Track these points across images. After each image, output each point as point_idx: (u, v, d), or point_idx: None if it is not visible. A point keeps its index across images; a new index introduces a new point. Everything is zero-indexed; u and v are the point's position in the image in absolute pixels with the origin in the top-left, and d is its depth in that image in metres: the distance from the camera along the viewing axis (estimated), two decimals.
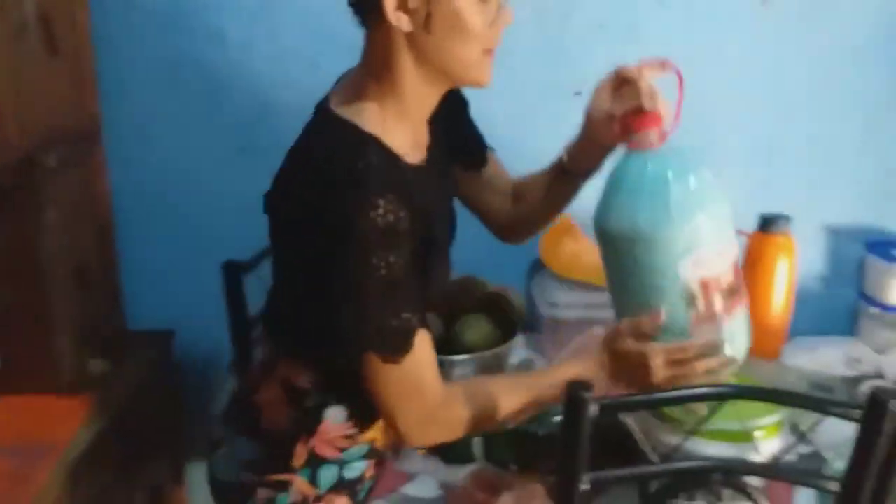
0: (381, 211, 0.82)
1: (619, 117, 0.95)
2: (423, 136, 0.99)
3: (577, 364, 0.95)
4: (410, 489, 1.15)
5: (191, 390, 1.76)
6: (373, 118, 0.90)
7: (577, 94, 1.57)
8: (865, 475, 0.72)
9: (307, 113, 1.60)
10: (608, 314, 1.44)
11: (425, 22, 0.86)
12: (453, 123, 1.08)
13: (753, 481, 0.82)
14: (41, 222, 1.32)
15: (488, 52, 0.91)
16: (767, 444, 0.92)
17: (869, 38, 1.57)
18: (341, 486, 1.01)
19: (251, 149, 1.65)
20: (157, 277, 1.71)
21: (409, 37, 0.88)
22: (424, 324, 0.90)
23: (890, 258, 1.58)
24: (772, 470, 0.77)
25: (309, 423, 0.98)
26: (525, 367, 1.41)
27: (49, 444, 1.24)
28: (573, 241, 1.60)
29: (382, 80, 0.91)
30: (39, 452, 1.21)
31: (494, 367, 1.35)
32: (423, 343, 0.90)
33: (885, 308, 1.59)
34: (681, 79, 0.92)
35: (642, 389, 0.89)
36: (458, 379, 1.31)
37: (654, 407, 0.92)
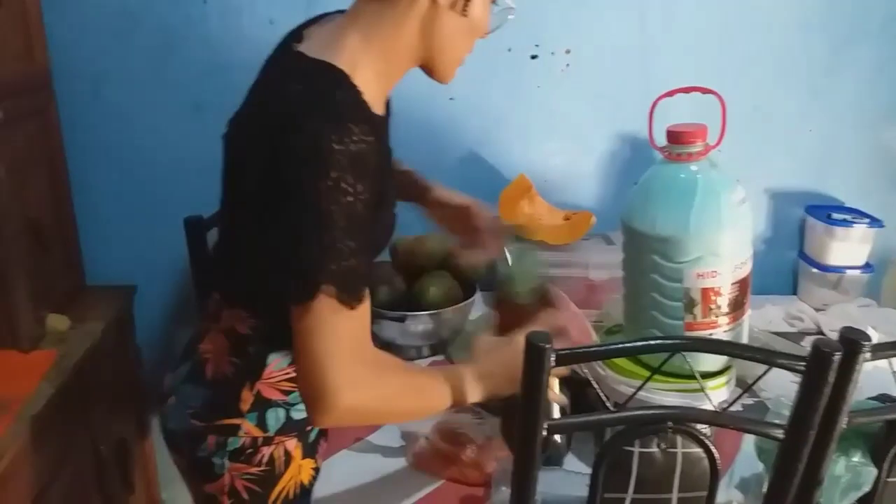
0: (354, 137, 0.81)
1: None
2: (382, 103, 0.99)
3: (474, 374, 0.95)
4: (376, 438, 1.18)
5: (152, 345, 1.76)
6: (346, 64, 0.89)
7: (533, 57, 1.61)
8: (808, 423, 0.77)
9: None
10: (559, 272, 1.52)
11: (463, 5, 0.91)
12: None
13: (704, 430, 0.87)
14: None
15: (465, 56, 0.98)
16: (717, 394, 0.98)
17: (812, 8, 1.62)
18: (290, 427, 1.03)
19: (206, 105, 1.63)
20: (115, 233, 1.69)
21: (435, 12, 0.91)
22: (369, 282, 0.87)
23: (828, 221, 1.66)
24: (721, 418, 0.82)
25: (253, 369, 1.00)
26: (482, 321, 1.44)
27: (8, 399, 1.23)
28: (530, 203, 1.64)
29: (373, 39, 0.92)
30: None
31: (456, 323, 1.39)
32: (368, 299, 0.87)
33: (824, 268, 1.67)
34: (722, 102, 0.96)
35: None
36: (420, 334, 1.36)
37: (608, 358, 0.97)
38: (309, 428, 1.06)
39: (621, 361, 1.01)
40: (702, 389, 0.86)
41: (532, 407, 0.78)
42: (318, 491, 1.07)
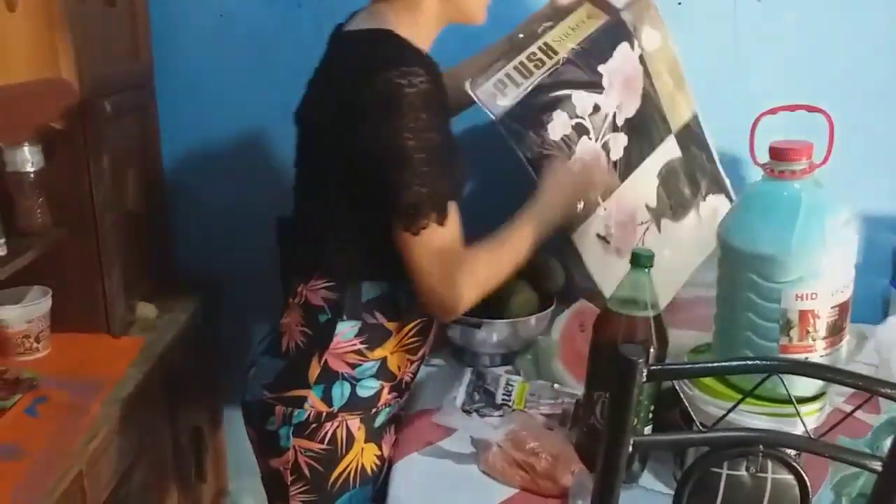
0: (419, 79, 0.92)
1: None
2: None
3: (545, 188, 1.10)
4: (447, 444, 1.18)
5: (231, 339, 1.81)
6: (389, 26, 1.01)
7: None
8: None
9: None
10: None
11: None
12: None
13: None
14: (97, 167, 1.35)
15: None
16: (808, 420, 0.94)
17: None
18: (354, 405, 1.07)
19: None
20: (203, 227, 1.75)
21: None
22: (459, 198, 1.01)
23: None
24: (816, 445, 0.79)
25: (322, 338, 1.05)
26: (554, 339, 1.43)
27: (100, 380, 1.29)
28: None
29: (401, 12, 1.02)
30: (92, 387, 1.26)
31: (531, 334, 1.38)
32: (456, 214, 1.00)
33: None
34: (830, 121, 0.95)
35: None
36: (495, 342, 1.36)
37: (704, 376, 0.95)
38: (374, 411, 1.09)
39: (710, 381, 0.98)
40: (797, 414, 0.83)
41: (620, 422, 0.77)
42: (392, 494, 1.08)
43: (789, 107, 0.95)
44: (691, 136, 1.31)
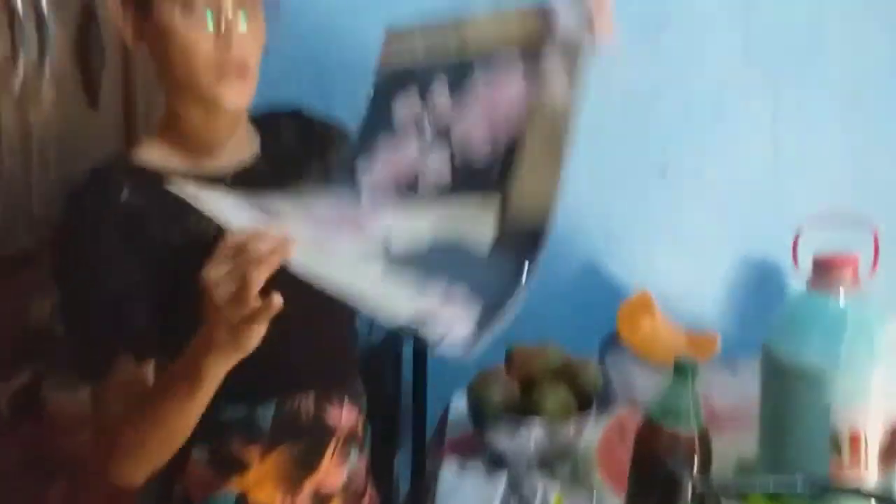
0: (69, 215, 0.85)
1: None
2: (235, 151, 0.97)
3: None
4: None
5: None
6: (137, 150, 0.94)
7: (662, 175, 1.62)
8: None
9: None
10: None
11: (133, 35, 0.87)
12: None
13: None
14: None
15: (220, 70, 0.83)
16: None
17: None
18: None
19: None
20: None
21: (139, 51, 0.88)
22: (142, 353, 0.86)
23: None
24: None
25: (180, 462, 0.93)
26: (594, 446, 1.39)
27: None
28: (651, 321, 1.61)
29: (162, 114, 0.95)
30: None
31: (573, 438, 1.35)
32: (114, 374, 0.85)
33: None
34: (876, 236, 0.96)
35: (216, 318, 0.71)
36: (533, 444, 1.32)
37: (752, 494, 0.92)
38: None
39: (755, 498, 0.95)
40: None
41: None
42: None
43: (834, 218, 0.96)
44: None
